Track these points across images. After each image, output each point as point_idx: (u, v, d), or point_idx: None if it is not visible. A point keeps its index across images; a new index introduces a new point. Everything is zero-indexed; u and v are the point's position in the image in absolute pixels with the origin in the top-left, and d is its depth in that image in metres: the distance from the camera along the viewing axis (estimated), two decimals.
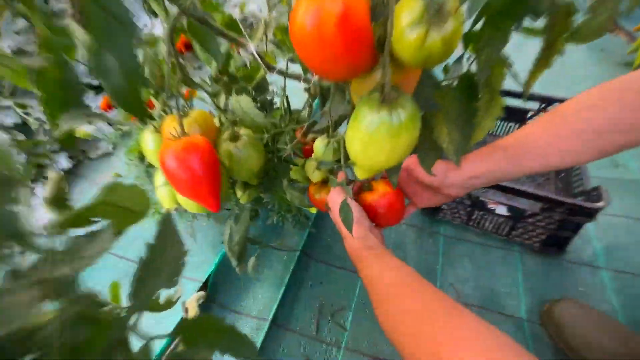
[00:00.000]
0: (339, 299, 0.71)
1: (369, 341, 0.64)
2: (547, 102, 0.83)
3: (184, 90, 0.66)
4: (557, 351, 0.58)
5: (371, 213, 0.49)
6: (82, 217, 0.19)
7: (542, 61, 0.35)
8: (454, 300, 0.35)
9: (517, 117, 0.89)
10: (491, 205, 0.70)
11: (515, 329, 0.61)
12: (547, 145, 0.40)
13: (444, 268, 0.72)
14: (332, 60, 0.24)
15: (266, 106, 0.68)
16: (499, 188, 0.64)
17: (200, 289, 0.71)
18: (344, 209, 0.38)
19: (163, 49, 0.54)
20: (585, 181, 0.68)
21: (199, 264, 0.76)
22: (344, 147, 0.30)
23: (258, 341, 0.65)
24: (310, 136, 0.54)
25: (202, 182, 0.40)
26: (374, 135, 0.25)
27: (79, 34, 0.19)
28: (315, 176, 0.53)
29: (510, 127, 0.93)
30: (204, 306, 0.70)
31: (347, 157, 0.40)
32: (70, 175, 1.02)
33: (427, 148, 0.40)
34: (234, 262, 0.57)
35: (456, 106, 0.37)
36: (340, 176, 0.47)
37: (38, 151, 0.97)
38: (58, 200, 0.34)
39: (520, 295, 0.66)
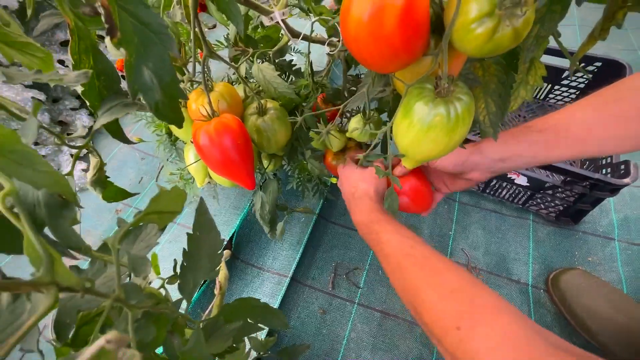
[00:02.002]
0: (354, 260, 0.75)
1: (381, 298, 0.69)
2: (587, 61, 0.77)
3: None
4: (557, 317, 0.62)
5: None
6: (134, 226, 0.20)
7: (599, 32, 0.32)
8: (467, 270, 0.36)
9: (551, 77, 0.83)
10: (511, 175, 0.70)
11: (520, 294, 0.66)
12: (587, 131, 0.38)
13: (456, 234, 0.75)
14: (389, 56, 0.22)
15: (285, 68, 0.65)
16: None
17: (225, 248, 0.76)
18: (390, 196, 0.39)
19: (177, 12, 0.51)
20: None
21: (222, 225, 0.80)
22: (390, 137, 0.29)
23: (280, 294, 0.71)
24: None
25: (237, 163, 0.40)
26: (429, 131, 0.24)
27: (114, 53, 0.18)
28: (336, 145, 0.52)
29: (543, 87, 0.88)
30: (229, 262, 0.76)
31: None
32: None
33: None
34: (266, 229, 0.60)
35: (496, 78, 0.35)
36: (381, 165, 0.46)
37: (59, 109, 0.97)
38: (99, 180, 0.35)
39: (529, 262, 0.69)
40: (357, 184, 0.50)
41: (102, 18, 0.16)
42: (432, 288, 0.36)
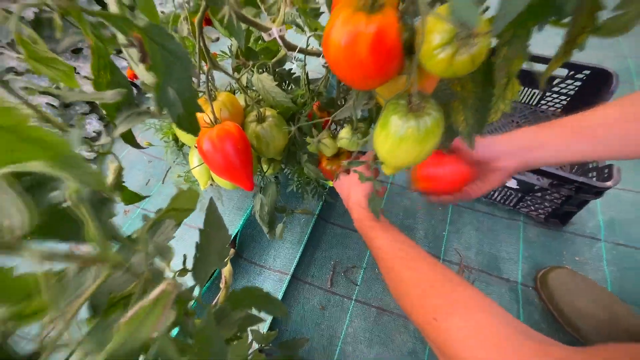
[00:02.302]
0: (351, 259, 0.78)
1: (377, 295, 0.72)
2: (577, 69, 0.80)
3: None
4: (545, 314, 0.65)
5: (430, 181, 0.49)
6: (158, 220, 0.24)
7: (563, 54, 0.35)
8: (453, 271, 0.39)
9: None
10: None
11: (510, 291, 0.68)
12: (608, 130, 0.40)
13: (450, 234, 0.78)
14: (364, 77, 0.26)
15: (285, 77, 0.69)
16: None
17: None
18: (373, 201, 0.43)
19: (184, 27, 0.55)
20: None
21: (226, 225, 0.84)
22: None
23: (281, 291, 0.75)
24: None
25: (237, 167, 0.44)
26: (402, 141, 0.28)
27: (144, 76, 0.22)
28: (328, 151, 0.56)
29: (534, 92, 0.91)
30: (233, 261, 0.79)
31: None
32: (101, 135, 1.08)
33: (446, 130, 0.42)
34: (265, 229, 0.63)
35: (473, 93, 0.38)
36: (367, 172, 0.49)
37: (71, 114, 1.02)
38: (118, 184, 0.39)
39: (519, 261, 0.72)
40: (349, 193, 0.54)
41: (137, 49, 0.20)
42: (415, 285, 0.39)
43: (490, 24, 0.23)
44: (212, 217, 0.33)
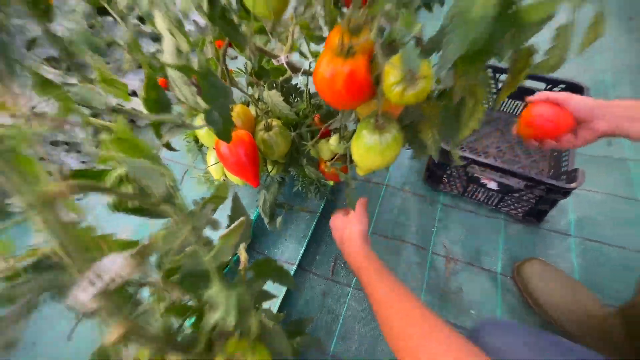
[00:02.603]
0: None
1: None
2: (554, 83, 0.89)
3: None
4: (520, 299, 0.73)
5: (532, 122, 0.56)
6: (205, 204, 0.34)
7: (507, 88, 0.45)
8: (434, 314, 0.41)
9: (524, 95, 0.95)
10: (484, 181, 0.82)
11: (490, 280, 0.77)
12: None
13: (438, 231, 0.87)
14: (340, 102, 0.36)
15: (291, 91, 0.80)
16: (491, 167, 0.75)
17: None
18: (350, 195, 0.53)
19: (209, 49, 0.66)
20: (571, 161, 0.77)
21: None
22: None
23: None
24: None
25: (246, 166, 0.55)
26: (369, 150, 0.38)
27: (199, 103, 0.33)
28: (326, 154, 0.66)
29: (517, 104, 0.99)
30: (247, 252, 0.90)
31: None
32: None
33: (417, 145, 0.52)
34: (266, 220, 0.74)
35: (437, 115, 0.48)
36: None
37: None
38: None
39: (499, 254, 0.80)
40: (344, 230, 0.60)
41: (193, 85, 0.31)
42: (400, 319, 0.42)
43: (431, 71, 0.34)
44: (237, 205, 0.43)
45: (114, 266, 0.17)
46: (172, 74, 0.41)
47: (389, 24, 0.35)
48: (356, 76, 0.34)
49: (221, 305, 0.26)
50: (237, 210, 0.41)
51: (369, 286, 0.49)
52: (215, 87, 0.32)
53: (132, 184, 0.23)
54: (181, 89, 0.39)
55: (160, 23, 0.42)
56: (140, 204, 0.23)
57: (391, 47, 0.33)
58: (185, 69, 0.31)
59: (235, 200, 0.42)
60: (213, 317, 0.26)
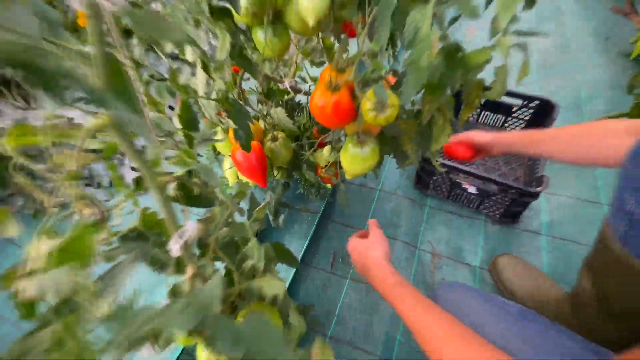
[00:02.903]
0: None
1: None
2: (529, 99, 0.99)
3: None
4: (496, 289, 0.83)
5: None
6: (234, 197, 0.46)
7: (465, 112, 0.56)
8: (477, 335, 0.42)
9: (504, 110, 1.06)
10: (465, 186, 0.92)
11: (470, 273, 0.87)
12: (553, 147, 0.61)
13: (425, 230, 0.97)
14: (330, 123, 0.48)
15: (294, 106, 0.92)
16: (468, 173, 0.86)
17: None
18: (341, 195, 0.64)
19: (226, 73, 0.79)
20: (541, 169, 0.87)
21: None
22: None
23: (292, 271, 0.95)
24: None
25: (256, 170, 0.67)
26: (353, 159, 0.50)
27: (220, 121, 0.45)
28: (322, 161, 0.78)
29: (499, 118, 1.10)
30: None
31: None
32: None
33: (400, 154, 0.63)
34: (271, 217, 0.86)
35: (413, 131, 0.59)
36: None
37: None
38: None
39: (479, 251, 0.90)
40: (366, 255, 0.58)
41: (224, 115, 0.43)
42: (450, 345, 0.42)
43: (397, 100, 0.45)
44: (253, 198, 0.55)
45: (191, 229, 0.29)
46: (203, 100, 0.53)
47: (365, 65, 0.47)
48: (341, 105, 0.46)
49: (255, 255, 0.37)
50: (253, 202, 0.53)
51: (408, 314, 0.48)
52: (241, 112, 0.45)
53: (196, 177, 0.35)
54: (208, 110, 0.51)
55: (190, 55, 0.55)
56: (202, 191, 0.35)
57: (366, 83, 0.45)
58: (220, 101, 0.43)
59: (252, 196, 0.54)
60: (249, 264, 0.38)
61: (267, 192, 0.86)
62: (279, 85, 0.71)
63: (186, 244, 0.28)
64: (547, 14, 1.52)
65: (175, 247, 0.27)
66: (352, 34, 0.52)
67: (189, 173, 0.35)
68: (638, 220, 0.41)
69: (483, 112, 1.12)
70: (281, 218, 0.86)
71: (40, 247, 0.24)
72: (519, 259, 0.83)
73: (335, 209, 1.08)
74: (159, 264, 0.33)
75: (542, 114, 0.98)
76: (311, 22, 0.38)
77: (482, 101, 1.05)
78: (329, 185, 0.95)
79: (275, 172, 0.85)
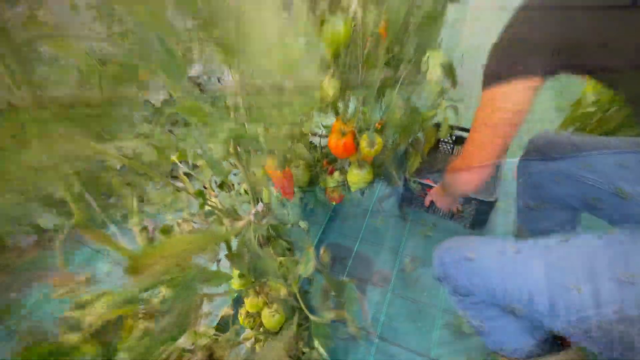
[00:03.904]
0: (345, 252, 1.22)
1: (361, 273, 1.15)
2: None
3: None
4: None
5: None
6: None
7: (426, 147, 0.84)
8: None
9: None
10: None
11: None
12: None
13: (407, 241, 1.21)
14: (341, 154, 0.75)
15: (310, 145, 1.20)
16: None
17: None
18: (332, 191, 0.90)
19: None
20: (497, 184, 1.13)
21: None
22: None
23: None
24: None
25: (287, 187, 0.93)
26: (356, 176, 0.77)
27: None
28: (330, 184, 1.04)
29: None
30: None
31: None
32: None
33: (387, 177, 0.90)
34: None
35: (392, 159, 0.87)
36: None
37: None
38: (201, 194, 0.88)
39: None
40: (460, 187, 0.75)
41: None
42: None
43: (382, 140, 0.73)
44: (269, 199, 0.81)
45: (259, 208, 0.54)
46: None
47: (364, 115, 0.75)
48: (347, 143, 0.73)
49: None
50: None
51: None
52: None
53: None
54: None
55: None
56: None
57: (362, 130, 0.73)
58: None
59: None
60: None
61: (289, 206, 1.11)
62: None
63: (256, 216, 0.54)
64: None
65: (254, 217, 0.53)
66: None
67: None
68: None
69: (455, 146, 1.40)
70: (302, 223, 1.10)
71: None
72: None
73: (336, 221, 1.33)
74: None
75: None
76: (331, 96, 0.67)
77: (454, 138, 1.33)
78: (333, 203, 1.21)
79: (297, 190, 1.11)
